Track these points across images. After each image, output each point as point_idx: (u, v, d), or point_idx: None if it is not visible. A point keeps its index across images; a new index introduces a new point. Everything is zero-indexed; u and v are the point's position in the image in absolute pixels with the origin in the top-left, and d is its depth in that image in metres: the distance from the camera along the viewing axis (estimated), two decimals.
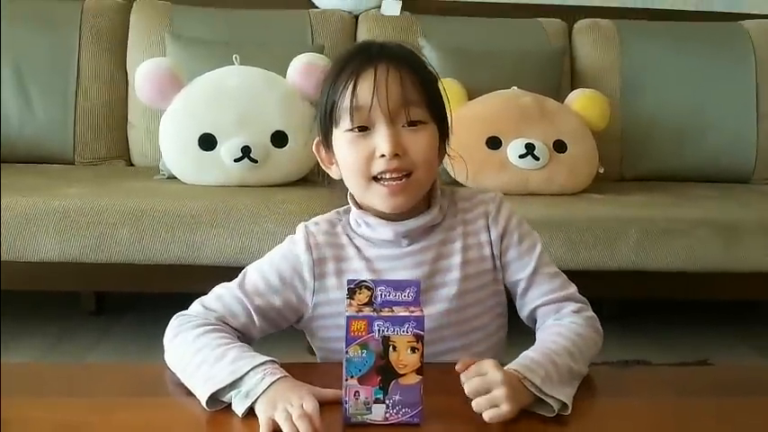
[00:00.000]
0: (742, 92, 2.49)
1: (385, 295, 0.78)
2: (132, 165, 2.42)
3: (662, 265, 1.87)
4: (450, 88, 2.13)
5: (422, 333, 0.76)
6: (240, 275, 0.95)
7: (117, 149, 2.40)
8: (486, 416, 0.77)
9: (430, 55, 2.37)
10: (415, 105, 0.88)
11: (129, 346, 2.02)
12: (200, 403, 0.80)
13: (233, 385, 0.79)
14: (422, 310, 0.77)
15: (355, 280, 0.79)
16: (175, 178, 2.05)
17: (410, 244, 0.94)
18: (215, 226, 1.78)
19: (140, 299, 2.32)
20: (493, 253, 0.97)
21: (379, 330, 0.75)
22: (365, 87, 0.86)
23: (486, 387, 0.78)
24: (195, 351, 0.84)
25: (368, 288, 0.78)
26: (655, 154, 2.47)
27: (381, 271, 0.93)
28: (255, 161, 1.98)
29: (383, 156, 0.87)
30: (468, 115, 2.16)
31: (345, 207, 0.98)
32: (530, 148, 2.07)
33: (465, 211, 0.98)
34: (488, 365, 0.80)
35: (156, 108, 2.10)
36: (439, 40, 2.42)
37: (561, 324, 0.94)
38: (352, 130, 0.88)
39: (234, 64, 2.12)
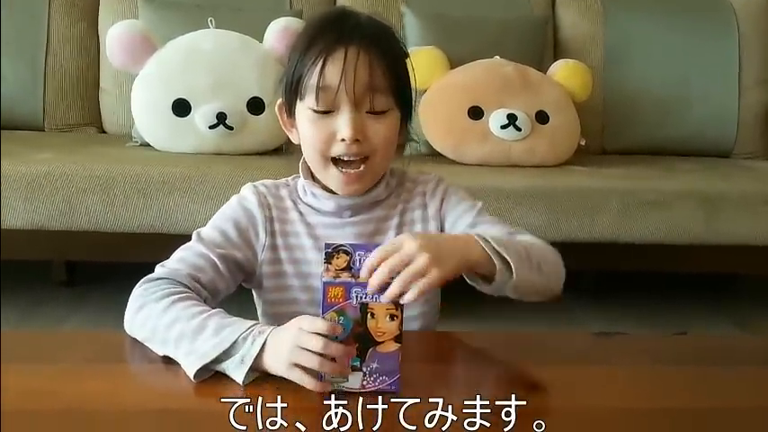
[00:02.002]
0: (725, 65, 2.49)
1: (363, 260, 0.75)
2: (104, 131, 2.36)
3: (642, 237, 1.86)
4: (432, 57, 2.17)
5: (401, 301, 0.74)
6: (194, 236, 0.93)
7: (88, 116, 2.34)
8: (412, 293, 0.73)
9: (411, 22, 2.32)
10: (381, 93, 0.88)
11: (102, 318, 1.98)
12: (169, 370, 0.78)
13: (222, 356, 0.77)
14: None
15: (333, 244, 0.76)
16: (148, 145, 2.01)
17: (352, 215, 0.96)
18: (189, 193, 1.74)
19: (113, 268, 2.27)
20: (428, 229, 0.98)
21: (356, 297, 0.73)
22: (334, 69, 0.86)
23: (404, 261, 0.74)
24: (169, 324, 0.80)
25: (346, 252, 0.75)
26: (637, 127, 2.46)
27: (321, 237, 0.94)
28: (231, 128, 1.93)
29: (344, 140, 0.87)
30: (449, 84, 2.12)
31: (295, 175, 1.00)
32: (512, 119, 2.04)
33: (408, 191, 1.00)
34: (402, 238, 0.77)
35: (128, 72, 2.04)
36: (421, 7, 2.37)
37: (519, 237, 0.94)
38: (315, 110, 0.88)
39: (209, 27, 2.06)
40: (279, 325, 0.78)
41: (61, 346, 0.90)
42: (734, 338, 1.43)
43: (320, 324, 0.73)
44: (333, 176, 0.91)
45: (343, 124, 0.87)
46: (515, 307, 2.08)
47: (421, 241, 0.76)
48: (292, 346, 0.73)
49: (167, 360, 0.80)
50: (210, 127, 1.92)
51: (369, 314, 0.73)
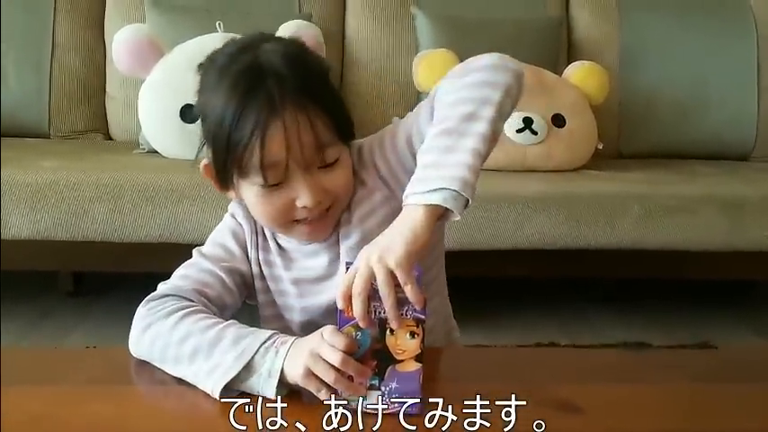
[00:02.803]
0: (743, 66, 2.43)
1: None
2: (111, 138, 2.32)
3: (664, 244, 1.82)
4: (444, 59, 2.12)
5: (423, 317, 0.70)
6: (195, 254, 0.89)
7: (94, 122, 2.30)
8: (414, 293, 0.69)
9: (423, 24, 2.28)
10: (329, 144, 0.80)
11: (109, 328, 1.94)
12: (181, 391, 0.75)
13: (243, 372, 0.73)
14: (424, 294, 0.70)
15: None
16: (156, 152, 1.97)
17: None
18: (199, 201, 1.70)
19: (121, 278, 2.23)
20: (388, 195, 0.87)
21: (375, 311, 0.69)
22: (275, 143, 0.77)
23: (368, 279, 0.70)
24: (181, 339, 0.76)
25: None
26: (653, 130, 2.41)
27: (294, 260, 0.89)
28: None
29: (305, 207, 0.81)
30: None
31: None
32: (527, 123, 1.99)
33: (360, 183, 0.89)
34: (356, 262, 0.72)
35: (135, 78, 2.00)
36: (432, 9, 2.33)
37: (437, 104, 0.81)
38: (264, 185, 0.80)
39: (217, 31, 2.02)
40: None
41: (63, 365, 0.86)
42: (764, 352, 1.37)
43: (339, 339, 0.70)
44: (297, 232, 0.86)
45: (301, 193, 0.80)
46: (530, 316, 2.04)
47: (367, 253, 0.71)
48: (310, 352, 0.70)
49: (180, 380, 0.76)
50: None
51: (388, 330, 0.70)
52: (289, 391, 0.72)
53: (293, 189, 0.80)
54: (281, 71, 0.78)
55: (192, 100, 2.03)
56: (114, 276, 2.23)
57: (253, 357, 0.72)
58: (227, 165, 0.80)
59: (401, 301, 0.69)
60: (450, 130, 0.76)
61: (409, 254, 0.70)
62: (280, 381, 0.71)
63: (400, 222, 0.73)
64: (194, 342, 0.75)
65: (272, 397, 0.71)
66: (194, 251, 0.90)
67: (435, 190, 0.73)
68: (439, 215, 0.73)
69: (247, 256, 0.90)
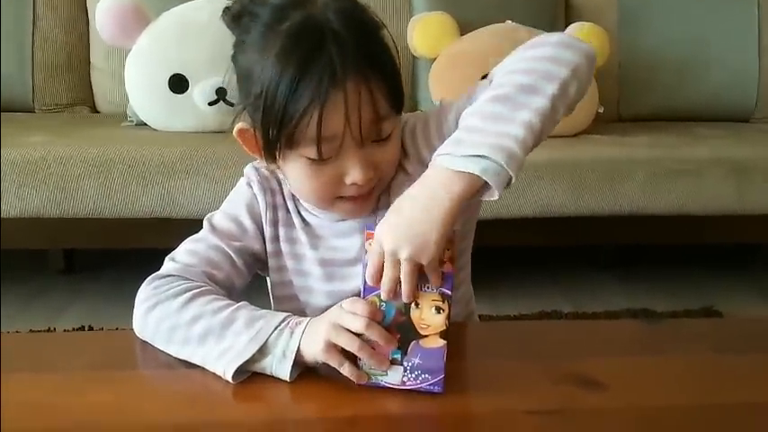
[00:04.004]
0: (744, 25, 2.38)
1: None
2: (97, 111, 2.26)
3: (670, 209, 1.78)
4: (440, 23, 2.05)
5: (449, 293, 0.67)
6: (206, 224, 0.84)
7: (80, 95, 2.24)
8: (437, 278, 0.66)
9: None
10: (386, 118, 0.73)
11: (102, 306, 1.91)
12: (188, 376, 0.72)
13: (260, 354, 0.69)
14: (452, 266, 0.66)
15: (373, 223, 0.68)
16: (145, 125, 1.92)
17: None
18: (192, 175, 1.65)
19: (113, 255, 2.19)
20: None
21: (401, 283, 0.66)
22: (335, 116, 0.70)
23: (394, 277, 0.66)
24: (190, 321, 0.72)
25: None
26: (653, 92, 2.36)
27: (321, 237, 0.83)
28: (232, 104, 1.83)
29: (354, 184, 0.75)
30: (461, 53, 2.01)
31: None
32: None
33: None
34: (378, 238, 0.67)
35: (120, 47, 1.94)
36: None
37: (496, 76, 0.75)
38: (314, 159, 0.73)
39: None
40: None
41: (62, 350, 0.82)
42: None
43: (361, 305, 0.66)
44: (339, 208, 0.79)
45: (352, 169, 0.73)
46: (533, 284, 2.00)
47: (394, 243, 0.65)
48: (331, 324, 0.66)
49: (184, 363, 0.73)
50: (210, 103, 1.82)
51: (413, 303, 0.67)
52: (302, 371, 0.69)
53: (343, 164, 0.74)
54: (340, 33, 0.70)
55: (180, 69, 1.98)
56: (106, 252, 2.19)
57: (267, 339, 0.69)
58: (276, 134, 0.72)
59: (425, 276, 0.66)
60: (503, 98, 0.69)
61: (440, 247, 0.65)
62: (294, 362, 0.68)
63: (429, 195, 0.66)
64: (205, 324, 0.71)
65: (287, 378, 0.68)
66: (205, 220, 0.84)
67: (475, 156, 0.65)
68: (476, 190, 0.66)
69: (261, 231, 0.84)
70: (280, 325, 0.70)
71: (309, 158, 0.73)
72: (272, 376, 0.69)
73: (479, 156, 0.65)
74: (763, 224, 1.82)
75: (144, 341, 0.77)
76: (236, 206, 0.84)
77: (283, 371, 0.68)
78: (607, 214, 1.76)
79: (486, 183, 0.65)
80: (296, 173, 0.76)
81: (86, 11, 2.23)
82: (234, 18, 0.76)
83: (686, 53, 2.34)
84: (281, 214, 0.84)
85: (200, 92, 1.82)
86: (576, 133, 2.01)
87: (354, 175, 0.73)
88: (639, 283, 2.12)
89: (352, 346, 0.66)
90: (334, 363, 0.66)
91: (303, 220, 0.84)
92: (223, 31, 2.15)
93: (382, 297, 0.67)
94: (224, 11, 0.77)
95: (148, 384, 0.75)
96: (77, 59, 2.22)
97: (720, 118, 2.34)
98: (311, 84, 0.69)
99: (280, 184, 0.85)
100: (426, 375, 0.66)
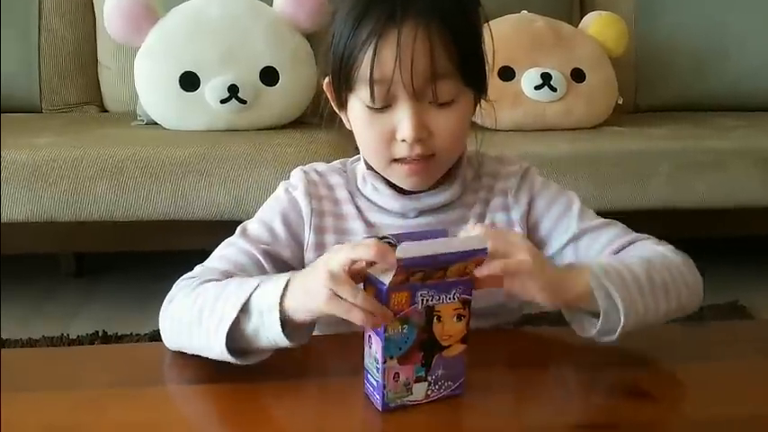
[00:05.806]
0: (764, 11, 2.33)
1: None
2: (106, 110, 2.22)
3: (696, 202, 1.74)
4: None
5: (470, 297, 0.64)
6: (239, 230, 0.83)
7: (88, 94, 2.20)
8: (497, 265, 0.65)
9: None
10: (446, 79, 0.72)
11: (114, 309, 1.87)
12: (218, 392, 0.68)
13: (245, 316, 0.66)
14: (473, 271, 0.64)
15: (384, 237, 0.64)
16: (155, 124, 1.87)
17: (417, 216, 0.83)
18: (204, 176, 1.61)
19: (125, 258, 2.15)
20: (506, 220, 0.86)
21: (422, 301, 0.62)
22: (387, 56, 0.70)
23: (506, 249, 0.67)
24: (191, 305, 0.71)
25: (392, 245, 0.62)
26: (671, 81, 2.31)
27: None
28: (244, 102, 1.79)
29: (404, 140, 0.74)
30: None
31: (355, 157, 0.86)
32: (546, 78, 1.89)
33: (487, 188, 0.86)
34: (516, 239, 0.70)
35: (130, 45, 1.89)
36: None
37: (637, 248, 0.81)
38: (370, 106, 0.74)
39: None
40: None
41: (79, 366, 0.78)
42: None
43: (363, 249, 0.61)
44: (395, 173, 0.78)
45: (402, 123, 0.73)
46: None
47: (534, 256, 0.68)
48: (328, 273, 0.61)
49: (217, 379, 0.69)
50: (222, 101, 1.78)
51: (435, 318, 0.63)
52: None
53: (396, 116, 0.73)
54: None
55: (191, 67, 1.93)
56: (119, 255, 2.16)
57: (249, 297, 0.66)
58: (339, 76, 0.75)
59: (448, 285, 0.62)
60: (670, 280, 0.75)
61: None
62: (293, 327, 0.64)
63: (558, 276, 0.70)
64: (201, 301, 0.70)
65: (280, 334, 0.64)
66: (239, 227, 0.83)
67: (615, 297, 0.69)
68: (581, 307, 0.71)
69: (295, 240, 0.82)
70: (264, 280, 0.67)
71: (366, 106, 0.74)
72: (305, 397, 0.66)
73: (617, 299, 0.69)
74: None
75: (168, 356, 0.74)
76: (270, 213, 0.83)
77: (273, 327, 0.64)
78: (632, 209, 1.71)
79: (591, 317, 0.71)
80: (356, 120, 0.77)
81: (93, 8, 2.18)
82: None
83: (705, 41, 2.30)
84: (329, 221, 0.82)
85: (211, 89, 1.78)
86: (595, 125, 1.97)
87: (404, 129, 0.73)
88: None
89: (354, 296, 0.60)
90: (341, 313, 0.61)
91: (367, 222, 0.82)
92: (233, 28, 2.10)
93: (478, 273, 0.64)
94: None
95: (175, 402, 0.72)
96: (85, 58, 2.18)
97: (740, 108, 2.29)
98: (370, 22, 0.70)
99: (331, 189, 0.84)
100: (449, 383, 0.66)
